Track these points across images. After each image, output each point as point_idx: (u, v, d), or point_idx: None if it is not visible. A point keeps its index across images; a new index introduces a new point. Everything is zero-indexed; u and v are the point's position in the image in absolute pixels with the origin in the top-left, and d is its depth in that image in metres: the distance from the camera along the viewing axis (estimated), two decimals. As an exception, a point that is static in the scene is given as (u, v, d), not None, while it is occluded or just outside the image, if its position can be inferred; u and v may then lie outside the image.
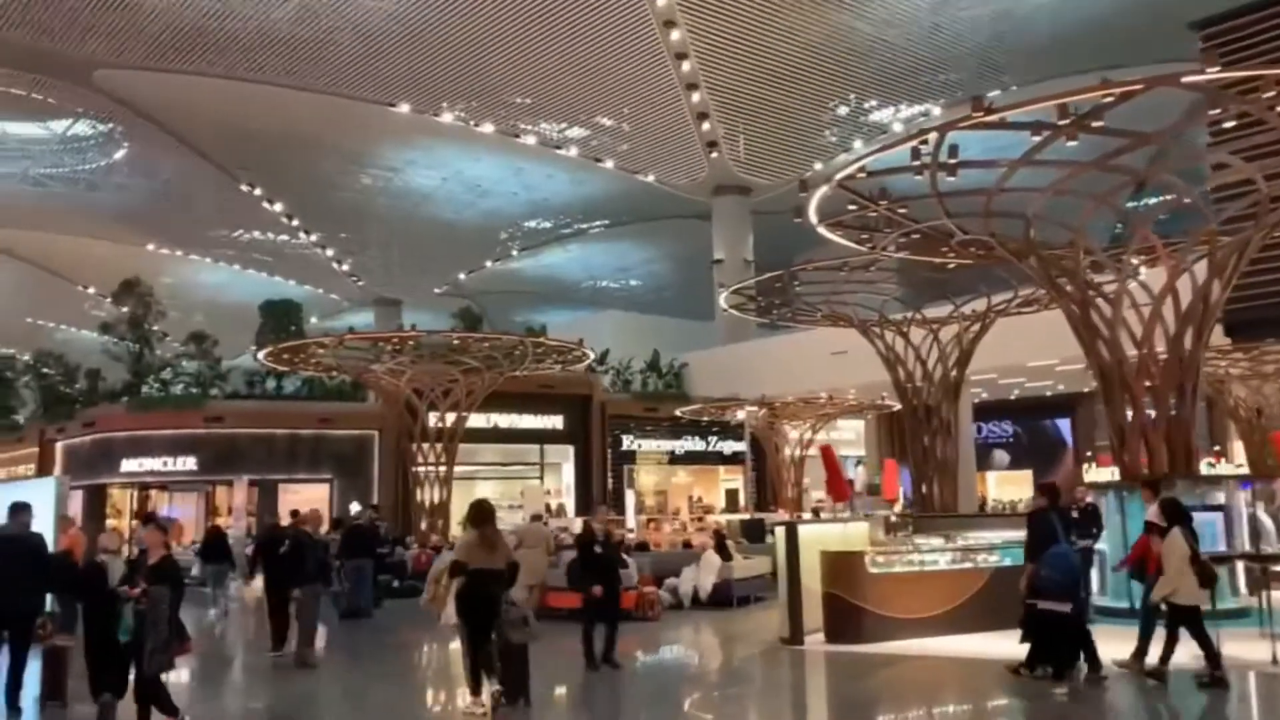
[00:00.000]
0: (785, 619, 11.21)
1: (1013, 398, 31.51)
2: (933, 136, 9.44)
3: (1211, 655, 8.44)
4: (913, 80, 28.84)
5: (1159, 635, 8.75)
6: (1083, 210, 11.66)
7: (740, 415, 26.06)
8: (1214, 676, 8.42)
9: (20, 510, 9.64)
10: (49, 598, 9.99)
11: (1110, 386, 12.29)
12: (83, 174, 34.74)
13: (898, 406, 21.99)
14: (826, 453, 15.21)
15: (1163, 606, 8.64)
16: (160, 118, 30.51)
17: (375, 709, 9.43)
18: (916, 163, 9.77)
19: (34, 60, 26.64)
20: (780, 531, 11.43)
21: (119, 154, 33.78)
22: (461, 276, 43.90)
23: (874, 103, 30.42)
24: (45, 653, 9.25)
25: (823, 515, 19.39)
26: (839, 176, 10.56)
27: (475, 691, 8.41)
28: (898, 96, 29.99)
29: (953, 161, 9.76)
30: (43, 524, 13.18)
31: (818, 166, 31.54)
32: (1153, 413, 12.13)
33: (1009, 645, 9.37)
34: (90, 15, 24.56)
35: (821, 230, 12.37)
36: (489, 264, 43.36)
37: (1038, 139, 9.33)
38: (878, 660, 10.36)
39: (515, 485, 29.03)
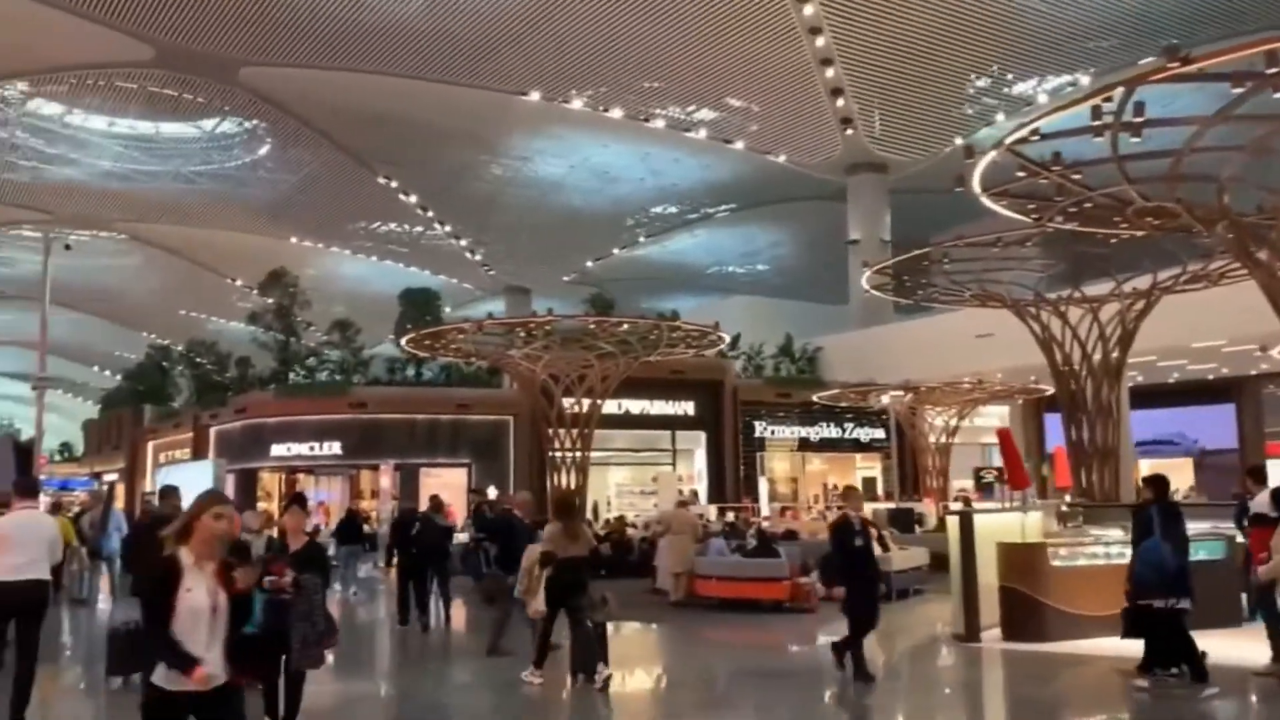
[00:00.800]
0: (959, 614, 10.57)
1: (1171, 381, 29.68)
2: (1118, 93, 8.65)
3: None
4: (1059, 48, 27.30)
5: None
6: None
7: (885, 400, 25.19)
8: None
9: (170, 493, 10.00)
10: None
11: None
12: (230, 170, 36.13)
13: (1049, 390, 20.89)
14: (1005, 437, 14.37)
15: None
16: (301, 113, 31.43)
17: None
18: (1098, 123, 9.01)
19: (185, 61, 27.75)
20: (953, 521, 10.80)
21: (263, 150, 34.99)
22: (589, 264, 44.02)
23: (1016, 74, 28.99)
24: None
25: (974, 505, 18.56)
26: (1009, 140, 9.85)
27: (539, 664, 9.13)
28: (1042, 66, 28.48)
29: (1138, 120, 8.95)
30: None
31: (958, 141, 30.27)
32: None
33: (1209, 644, 8.62)
34: (236, 15, 25.39)
35: (985, 200, 11.64)
36: (616, 251, 43.35)
37: (1240, 90, 8.45)
38: (1063, 660, 9.64)
39: (646, 471, 28.95)
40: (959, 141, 30.25)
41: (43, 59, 27.70)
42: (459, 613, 14.39)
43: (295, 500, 7.84)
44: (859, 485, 30.82)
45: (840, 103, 28.43)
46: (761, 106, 29.71)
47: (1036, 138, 9.61)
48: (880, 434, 30.56)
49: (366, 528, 22.68)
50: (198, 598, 4.15)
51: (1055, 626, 10.07)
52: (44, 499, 24.80)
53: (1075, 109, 9.32)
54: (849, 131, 29.69)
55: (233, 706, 4.31)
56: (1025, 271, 18.29)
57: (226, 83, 29.28)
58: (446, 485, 24.30)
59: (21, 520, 7.86)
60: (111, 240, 42.11)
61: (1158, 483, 9.12)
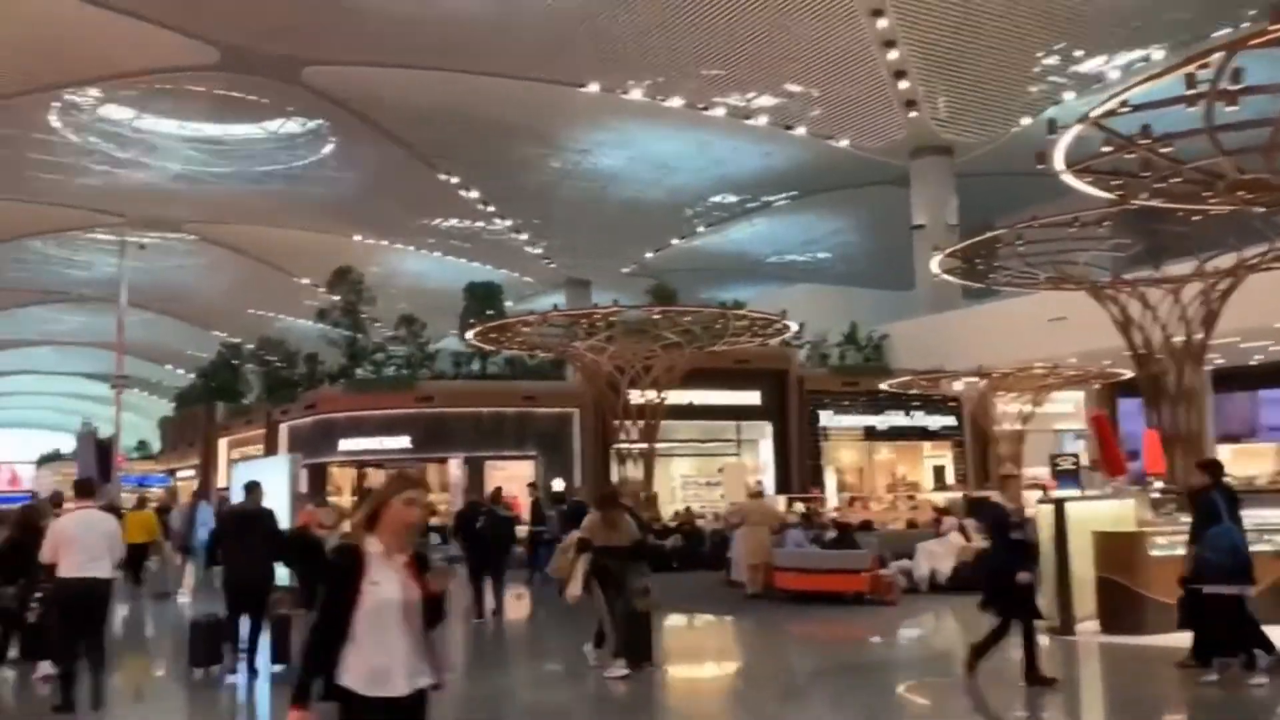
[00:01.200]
0: (1052, 606, 10.23)
1: (1253, 363, 28.68)
2: (1216, 58, 8.29)
3: None
4: (1130, 22, 26.49)
5: None
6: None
7: (957, 387, 24.70)
8: None
9: (253, 489, 10.25)
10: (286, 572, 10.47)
11: None
12: (295, 170, 36.65)
13: (1127, 375, 20.31)
14: (1099, 421, 13.96)
15: None
16: (363, 111, 31.75)
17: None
18: (1192, 91, 8.63)
19: (249, 63, 28.19)
20: (1044, 510, 10.48)
21: (326, 149, 35.42)
22: (648, 255, 43.91)
23: (1086, 50, 28.18)
24: (273, 621, 9.79)
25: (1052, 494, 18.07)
26: (1095, 112, 9.50)
27: (598, 645, 9.65)
28: (1114, 42, 27.66)
29: (1236, 89, 8.56)
30: (279, 498, 13.90)
31: (1024, 122, 29.62)
32: None
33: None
34: (298, 15, 25.71)
35: (1067, 178, 11.27)
36: (675, 242, 43.17)
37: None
38: (1166, 654, 9.17)
39: (711, 463, 28.79)
40: (1026, 122, 29.61)
41: (113, 65, 28.34)
42: (519, 605, 14.50)
43: (367, 495, 7.44)
44: (928, 474, 30.43)
45: (903, 85, 27.92)
46: (823, 91, 29.29)
47: (1126, 109, 9.25)
48: (949, 422, 30.03)
49: (435, 519, 22.86)
50: (386, 591, 3.70)
51: (1156, 619, 9.70)
52: (127, 496, 25.53)
53: (1166, 79, 8.94)
54: (913, 114, 29.16)
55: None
56: (1102, 252, 17.78)
57: (290, 83, 29.68)
58: (513, 478, 24.42)
59: (83, 519, 8.21)
60: (182, 241, 43.04)
61: (1214, 466, 8.95)
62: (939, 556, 14.00)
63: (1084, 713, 8.65)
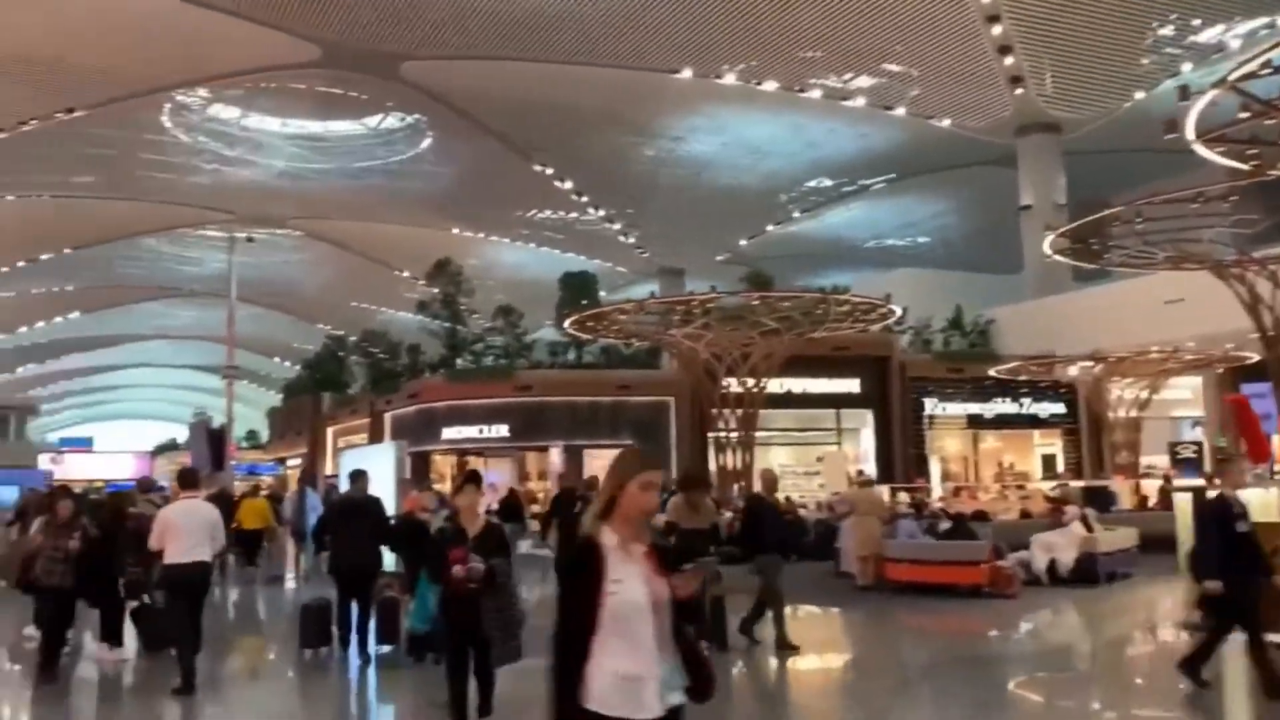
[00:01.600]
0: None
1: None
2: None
3: None
4: (1255, -14, 25.11)
5: None
6: None
7: (1072, 372, 23.77)
8: None
9: (359, 476, 10.43)
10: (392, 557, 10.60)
11: None
12: (394, 165, 37.31)
13: (1254, 358, 19.27)
14: (1240, 405, 13.18)
15: None
16: (460, 104, 32.09)
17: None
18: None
19: (350, 59, 28.72)
20: (1182, 499, 9.90)
21: (424, 143, 35.95)
22: (742, 242, 43.48)
23: (1203, 18, 26.77)
24: (379, 604, 10.03)
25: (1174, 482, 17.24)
26: (1233, 76, 8.93)
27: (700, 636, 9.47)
28: (1232, 8, 26.21)
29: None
30: (385, 485, 14.09)
31: (1138, 96, 28.34)
32: None
33: None
34: (396, 10, 26.08)
35: (1198, 148, 10.66)
36: (770, 228, 42.66)
37: None
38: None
39: (810, 452, 28.34)
40: (1139, 96, 28.33)
41: (220, 65, 29.20)
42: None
43: (469, 479, 6.85)
44: (1037, 464, 29.40)
45: (1009, 60, 26.96)
46: (924, 69, 28.47)
47: (1268, 71, 8.64)
48: (1059, 409, 29.00)
49: (535, 506, 23.05)
50: (632, 591, 3.11)
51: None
52: (239, 484, 26.36)
53: (1313, 37, 8.33)
54: (1019, 90, 28.16)
55: None
56: (1225, 229, 16.88)
57: (389, 78, 30.16)
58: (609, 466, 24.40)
59: (187, 509, 8.74)
60: (287, 237, 44.27)
61: None
62: (1060, 548, 13.38)
63: None
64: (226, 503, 19.99)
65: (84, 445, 65.38)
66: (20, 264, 45.31)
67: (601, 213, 40.47)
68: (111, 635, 9.95)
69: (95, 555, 9.18)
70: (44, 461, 43.01)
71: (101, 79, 28.45)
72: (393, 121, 34.73)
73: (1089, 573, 13.47)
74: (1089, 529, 13.55)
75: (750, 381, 22.22)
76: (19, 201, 38.18)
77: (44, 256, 44.84)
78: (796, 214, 41.59)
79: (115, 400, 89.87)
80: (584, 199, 38.99)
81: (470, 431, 27.80)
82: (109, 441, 71.89)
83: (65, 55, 27.02)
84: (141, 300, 55.75)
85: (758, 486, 11.08)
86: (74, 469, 50.52)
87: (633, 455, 3.43)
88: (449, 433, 28.20)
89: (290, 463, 40.86)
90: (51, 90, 28.79)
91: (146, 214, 40.56)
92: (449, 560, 5.89)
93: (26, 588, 9.36)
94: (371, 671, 9.58)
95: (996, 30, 25.56)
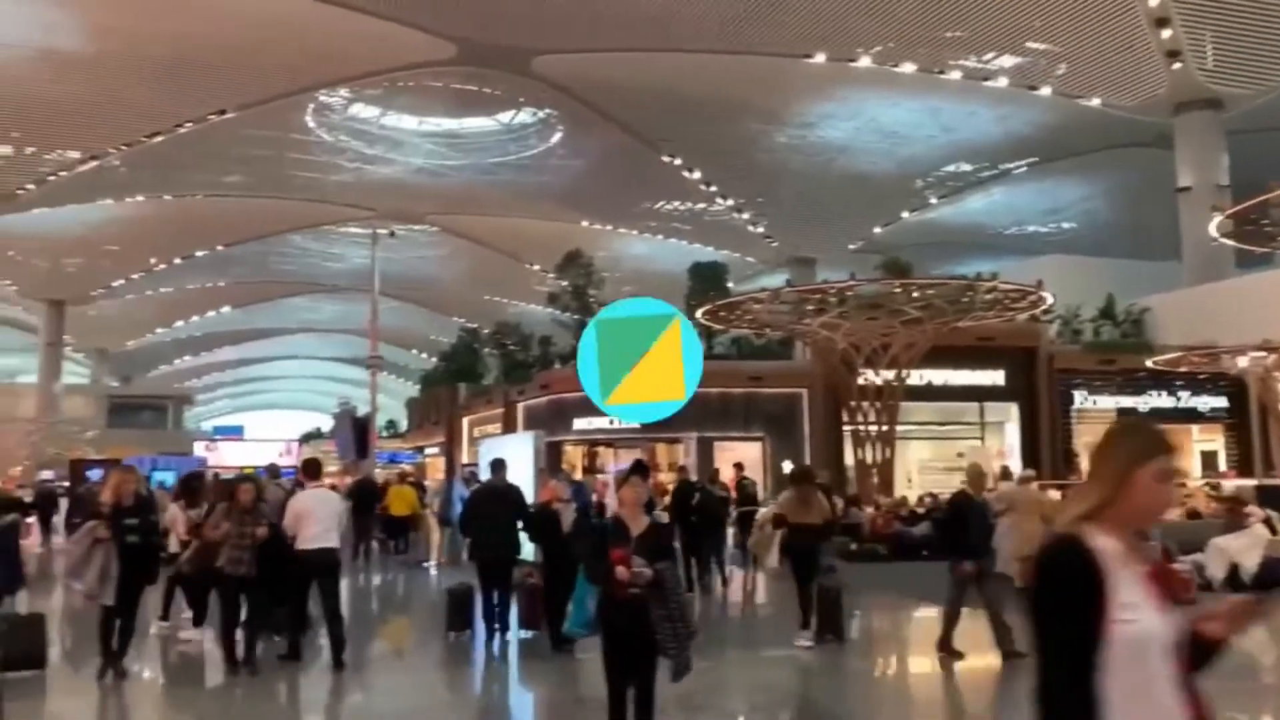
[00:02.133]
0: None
1: None
2: None
3: None
4: None
5: None
6: None
7: (1241, 363, 22.21)
8: None
9: (499, 466, 10.62)
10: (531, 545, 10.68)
11: None
12: (525, 160, 37.86)
13: None
14: None
15: None
16: (589, 98, 32.28)
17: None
18: None
19: (484, 55, 29.21)
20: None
21: (555, 138, 36.36)
22: (876, 230, 42.43)
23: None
24: (521, 590, 10.43)
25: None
26: None
27: (805, 625, 9.74)
28: None
29: None
30: (523, 473, 14.19)
31: (1312, 65, 26.35)
32: None
33: None
34: (529, 3, 26.34)
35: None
36: (905, 215, 41.55)
37: None
38: None
39: (951, 446, 27.39)
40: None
41: (360, 65, 30.13)
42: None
43: (635, 469, 5.78)
44: (1197, 460, 27.68)
45: (1165, 34, 25.40)
46: (1072, 46, 27.10)
47: None
48: (1219, 403, 27.24)
49: (665, 499, 22.92)
50: (1148, 621, 2.18)
51: None
52: (380, 473, 27.17)
53: None
54: (1176, 65, 26.50)
55: None
56: None
57: (521, 74, 30.58)
58: (741, 459, 24.09)
59: (317, 496, 9.20)
60: (424, 232, 45.49)
61: None
62: (1241, 551, 12.40)
63: None
64: (372, 489, 20.67)
65: (235, 434, 68.77)
66: (177, 261, 47.89)
67: (730, 202, 40.14)
68: (274, 626, 9.50)
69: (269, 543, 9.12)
70: (199, 449, 45.24)
71: (250, 81, 29.75)
72: (525, 117, 35.24)
73: (1275, 578, 12.38)
74: (1273, 531, 12.55)
75: (890, 373, 21.57)
76: (175, 201, 40.33)
77: (199, 253, 47.30)
78: (933, 200, 40.40)
79: (264, 391, 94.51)
80: (713, 189, 38.76)
81: (601, 422, 27.78)
82: (258, 430, 75.40)
83: (216, 60, 28.34)
84: (289, 295, 58.34)
85: (960, 484, 10.72)
86: (227, 456, 53.13)
87: (1145, 433, 2.37)
88: (580, 423, 28.33)
89: (428, 451, 41.95)
90: (204, 93, 30.25)
91: (293, 211, 42.30)
92: (611, 560, 5.19)
93: (205, 577, 9.22)
94: (513, 656, 9.82)
95: (1153, 2, 24.12)
